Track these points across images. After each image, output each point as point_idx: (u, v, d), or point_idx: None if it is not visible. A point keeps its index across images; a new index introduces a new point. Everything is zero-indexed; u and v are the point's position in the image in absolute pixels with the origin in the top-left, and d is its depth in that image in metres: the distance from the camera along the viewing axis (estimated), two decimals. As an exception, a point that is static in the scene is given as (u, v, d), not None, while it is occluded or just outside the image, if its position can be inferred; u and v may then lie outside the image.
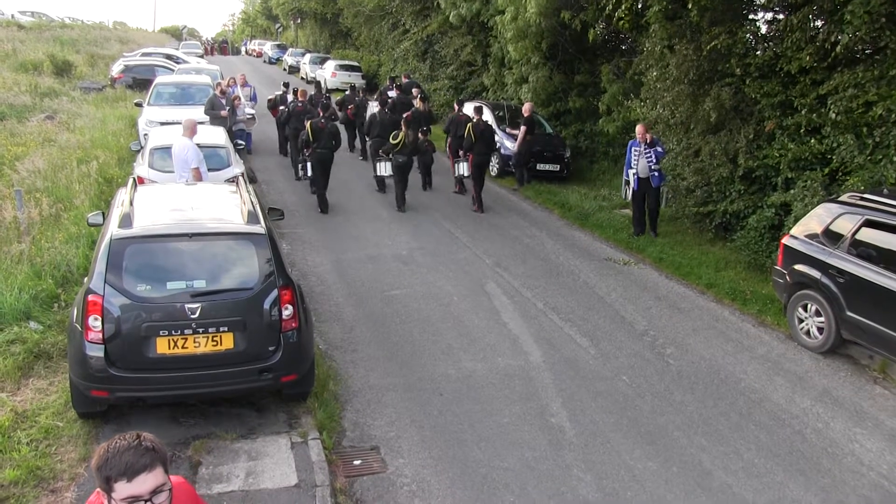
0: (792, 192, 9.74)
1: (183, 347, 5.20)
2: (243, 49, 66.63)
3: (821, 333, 7.59)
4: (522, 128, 15.04)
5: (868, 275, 7.02)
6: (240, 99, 15.82)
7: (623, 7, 11.95)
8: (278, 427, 5.71)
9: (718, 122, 11.16)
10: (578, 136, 17.31)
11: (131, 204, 5.81)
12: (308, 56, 38.46)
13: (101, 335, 5.08)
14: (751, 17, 11.61)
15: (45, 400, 5.86)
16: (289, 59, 42.26)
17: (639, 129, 11.47)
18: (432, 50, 25.56)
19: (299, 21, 54.00)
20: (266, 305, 5.40)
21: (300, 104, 14.99)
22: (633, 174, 11.57)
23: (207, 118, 13.75)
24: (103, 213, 7.06)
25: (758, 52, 11.00)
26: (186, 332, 5.18)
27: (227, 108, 14.43)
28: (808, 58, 9.64)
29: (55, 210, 10.16)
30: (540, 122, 16.51)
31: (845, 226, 7.44)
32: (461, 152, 13.75)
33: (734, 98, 10.90)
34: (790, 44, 9.98)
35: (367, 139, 15.50)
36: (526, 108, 15.28)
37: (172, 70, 23.63)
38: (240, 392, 5.69)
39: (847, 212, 7.49)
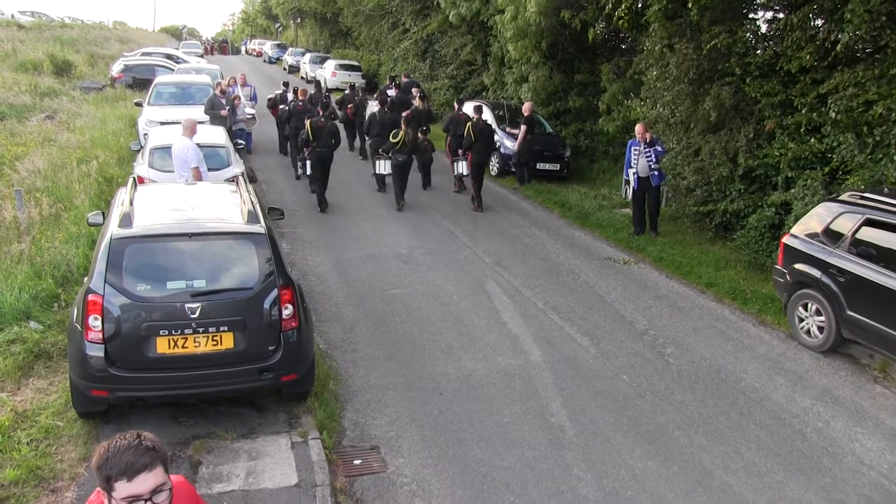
0: (792, 191, 9.74)
1: (183, 347, 5.20)
2: (243, 49, 66.63)
3: (821, 332, 7.59)
4: (523, 127, 15.05)
5: (868, 274, 7.02)
6: (240, 98, 15.83)
7: (623, 6, 11.95)
8: (278, 427, 5.71)
9: (718, 122, 11.16)
10: (578, 135, 17.30)
11: (131, 203, 5.80)
12: (308, 55, 38.47)
13: (101, 335, 5.07)
14: (751, 16, 11.60)
15: (46, 400, 5.86)
16: (289, 59, 42.26)
17: (638, 128, 11.47)
18: (432, 49, 25.56)
19: (299, 20, 54.00)
20: (266, 305, 5.40)
21: (300, 103, 15.06)
22: (633, 173, 11.57)
23: (207, 118, 13.75)
24: (103, 213, 7.06)
25: (758, 52, 11.00)
26: (186, 331, 5.17)
27: (227, 107, 14.43)
28: (808, 57, 9.63)
29: (55, 210, 10.16)
30: (540, 122, 16.51)
31: (845, 225, 7.44)
32: (460, 151, 13.77)
33: (734, 97, 10.90)
34: (790, 43, 9.97)
35: (367, 138, 15.52)
36: (526, 108, 15.28)
37: (172, 70, 23.63)
38: (240, 392, 5.69)
39: (847, 211, 7.49)
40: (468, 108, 15.02)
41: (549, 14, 15.23)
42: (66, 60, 28.03)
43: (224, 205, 6.28)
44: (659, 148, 11.45)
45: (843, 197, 7.76)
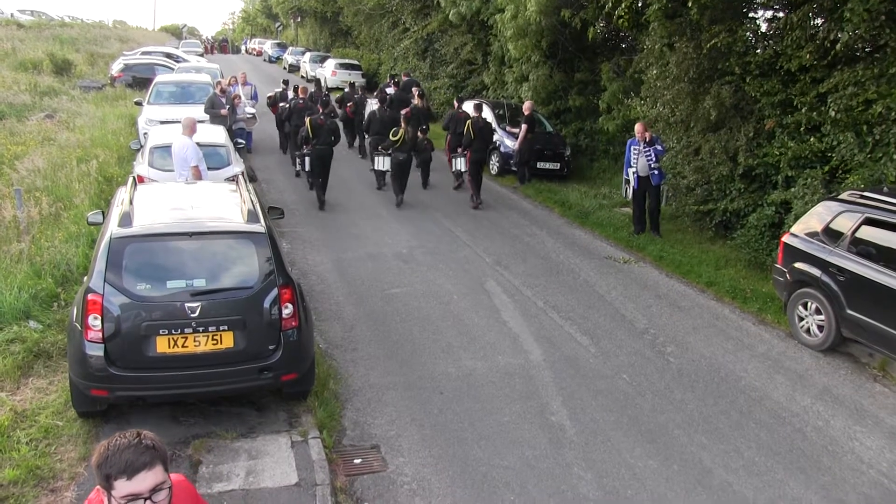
0: (792, 190, 9.74)
1: (183, 346, 5.19)
2: (243, 48, 66.61)
3: (821, 331, 7.59)
4: (523, 126, 15.05)
5: (868, 273, 7.02)
6: (240, 98, 15.84)
7: (623, 5, 11.94)
8: (278, 426, 5.71)
9: (718, 121, 11.16)
10: (578, 134, 17.30)
11: (131, 203, 5.80)
12: (308, 55, 38.45)
13: (100, 334, 5.07)
14: (751, 15, 11.60)
15: (45, 399, 5.86)
16: (289, 58, 42.24)
17: (638, 127, 11.46)
18: (432, 48, 25.55)
19: (299, 20, 53.99)
20: (266, 304, 5.40)
21: (301, 101, 15.17)
22: (633, 173, 11.57)
23: (207, 117, 13.75)
24: (103, 212, 7.06)
25: (758, 51, 11.00)
26: (186, 330, 5.17)
27: (227, 106, 14.43)
28: (807, 56, 9.63)
29: (55, 209, 10.16)
30: (540, 121, 16.51)
31: (845, 224, 7.44)
32: (460, 149, 13.81)
33: (734, 96, 10.90)
34: (790, 42, 9.97)
35: (367, 136, 15.55)
36: (526, 107, 15.29)
37: (172, 69, 23.61)
38: (240, 391, 5.69)
39: (847, 210, 7.49)
40: (468, 106, 15.04)
41: (550, 13, 15.23)
42: (65, 59, 28.02)
43: (224, 204, 6.28)
44: (659, 147, 11.44)
45: (843, 196, 7.76)
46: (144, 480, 2.02)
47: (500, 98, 18.89)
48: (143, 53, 29.77)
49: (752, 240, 10.20)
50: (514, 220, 12.72)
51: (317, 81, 21.38)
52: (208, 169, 9.71)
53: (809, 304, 7.73)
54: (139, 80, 22.85)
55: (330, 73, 31.13)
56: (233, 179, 8.44)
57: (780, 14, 11.15)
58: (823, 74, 9.70)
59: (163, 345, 5.16)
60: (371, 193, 14.03)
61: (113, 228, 5.32)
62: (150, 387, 5.28)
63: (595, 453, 5.62)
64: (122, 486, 2.01)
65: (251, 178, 12.70)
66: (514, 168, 15.78)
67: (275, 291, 5.43)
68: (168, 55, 29.11)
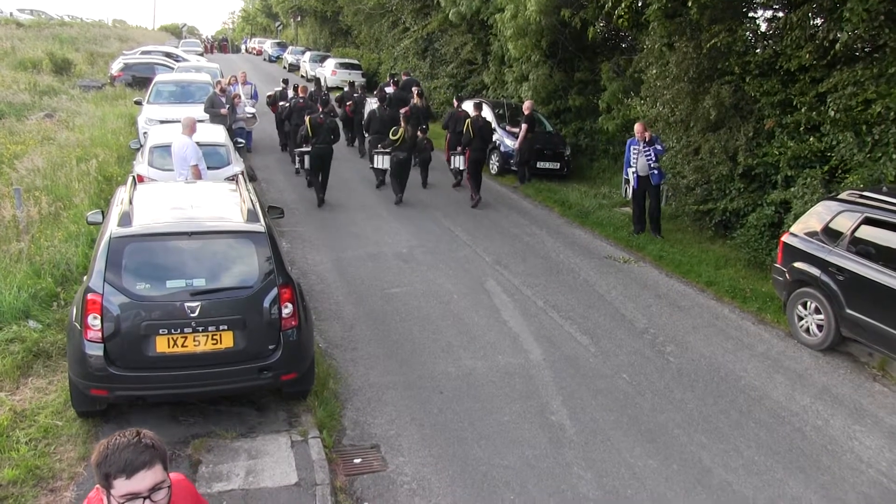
0: (791, 189, 9.74)
1: (182, 346, 5.19)
2: (243, 47, 66.60)
3: (820, 331, 7.59)
4: (523, 126, 15.05)
5: (867, 272, 7.02)
6: (240, 97, 15.84)
7: (623, 5, 11.94)
8: (278, 426, 5.71)
9: (718, 120, 11.16)
10: (578, 133, 17.31)
11: (131, 202, 5.80)
12: (308, 54, 38.46)
13: (100, 334, 5.07)
14: (750, 14, 11.60)
15: (45, 399, 5.85)
16: (289, 58, 42.25)
17: (637, 127, 11.46)
18: (432, 48, 25.56)
19: (299, 19, 54.00)
20: (266, 304, 5.40)
21: (301, 100, 15.22)
22: (633, 172, 11.57)
23: (207, 116, 13.75)
24: (103, 212, 7.05)
25: (757, 50, 11.01)
26: (186, 330, 5.17)
27: (227, 106, 14.43)
28: (807, 56, 9.63)
29: (54, 208, 10.16)
30: (540, 120, 16.52)
31: (845, 223, 7.44)
32: (459, 147, 13.85)
33: (734, 96, 10.90)
34: (790, 42, 9.98)
35: (366, 135, 15.57)
36: (526, 106, 15.29)
37: (172, 68, 23.61)
38: (239, 391, 5.69)
39: (846, 209, 7.49)
40: (468, 105, 15.04)
41: (549, 12, 15.23)
42: (65, 59, 28.01)
43: (224, 203, 6.28)
44: (658, 147, 11.44)
45: (843, 195, 7.77)
46: (144, 479, 2.02)
47: (500, 98, 18.89)
48: (143, 53, 29.76)
49: (751, 239, 10.21)
50: (514, 219, 12.73)
51: (316, 81, 21.39)
52: (208, 168, 9.71)
53: (809, 303, 7.73)
54: (139, 80, 22.85)
55: (330, 72, 31.13)
56: (232, 179, 8.43)
57: (780, 14, 11.16)
58: (823, 74, 9.70)
59: (162, 344, 5.16)
60: (371, 193, 14.04)
61: (112, 228, 5.32)
62: (149, 386, 5.28)
63: (595, 453, 5.63)
64: (122, 485, 2.01)
65: (251, 177, 12.70)
66: (514, 167, 15.78)
67: (274, 291, 5.43)
68: (168, 54, 29.09)
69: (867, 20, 8.59)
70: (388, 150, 13.12)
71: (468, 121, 13.53)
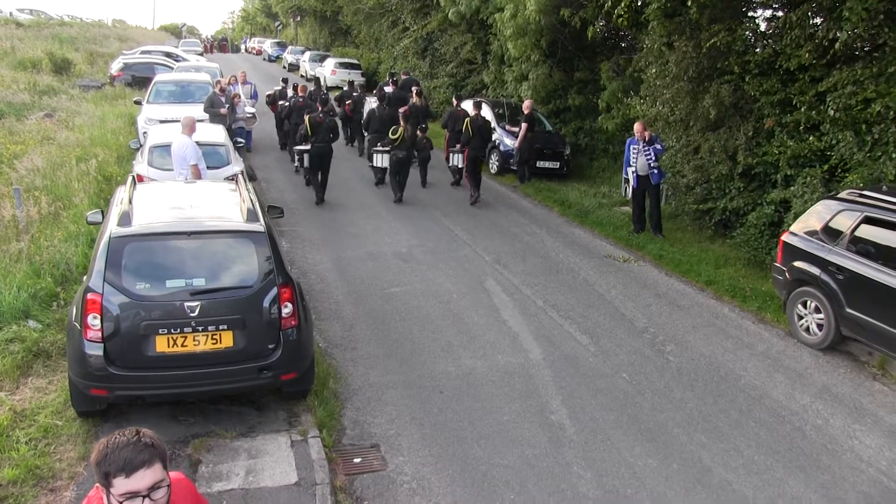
0: (791, 188, 9.74)
1: (182, 346, 5.19)
2: (243, 47, 66.63)
3: (820, 330, 7.59)
4: (523, 125, 15.05)
5: (867, 271, 7.02)
6: (239, 97, 15.84)
7: (622, 4, 11.93)
8: (278, 425, 5.71)
9: (718, 120, 11.16)
10: (578, 133, 17.32)
11: (130, 202, 5.79)
12: (308, 54, 38.49)
13: (100, 334, 5.07)
14: (750, 14, 11.60)
15: (44, 399, 5.85)
16: (288, 57, 42.27)
17: (637, 127, 11.46)
18: (432, 47, 25.56)
19: (299, 19, 53.99)
20: (265, 303, 5.40)
21: (301, 99, 15.27)
22: (633, 172, 11.57)
23: (206, 116, 13.75)
24: (102, 212, 7.05)
25: (757, 50, 11.01)
26: (186, 330, 5.17)
27: (227, 105, 14.43)
28: (807, 55, 9.63)
29: (54, 208, 10.16)
30: (540, 120, 16.52)
31: (844, 222, 7.44)
32: (458, 146, 13.89)
33: (733, 95, 10.90)
34: (789, 41, 9.97)
35: (366, 134, 15.59)
36: (526, 106, 15.29)
37: (172, 68, 23.61)
38: (239, 390, 5.69)
39: (846, 208, 7.49)
40: (467, 105, 15.06)
41: (549, 12, 15.23)
42: (64, 58, 28.00)
43: (223, 203, 6.28)
44: (658, 146, 11.44)
45: (842, 195, 7.77)
46: (143, 478, 2.02)
47: (499, 97, 18.90)
48: (143, 52, 29.75)
49: (751, 238, 10.21)
50: (513, 218, 12.73)
51: (316, 80, 21.40)
52: (208, 168, 9.70)
53: (809, 302, 7.73)
54: (138, 79, 22.85)
55: (329, 72, 31.14)
56: (232, 178, 8.43)
57: (780, 13, 11.15)
58: (822, 73, 9.70)
59: (162, 344, 5.16)
60: (370, 192, 14.04)
61: (112, 228, 5.32)
62: (149, 386, 5.28)
63: (595, 452, 5.63)
64: (121, 484, 2.01)
65: (251, 177, 12.71)
66: (513, 167, 15.78)
67: (274, 290, 5.43)
68: (167, 54, 29.09)
69: (866, 19, 8.59)
70: (387, 149, 13.16)
71: (467, 120, 13.57)
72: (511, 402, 6.31)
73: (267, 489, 4.88)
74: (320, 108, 13.84)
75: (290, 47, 46.22)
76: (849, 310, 7.17)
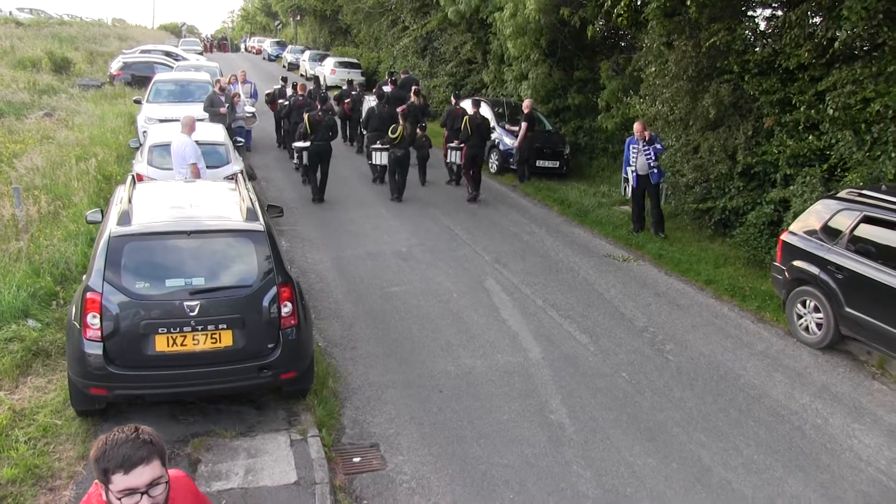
0: (791, 188, 9.74)
1: (182, 345, 5.19)
2: (243, 46, 66.63)
3: (819, 329, 7.59)
4: (523, 124, 15.05)
5: (866, 271, 7.02)
6: (239, 96, 15.85)
7: (622, 4, 11.93)
8: (277, 424, 5.71)
9: (717, 119, 11.16)
10: (578, 132, 17.32)
11: (130, 201, 5.80)
12: (307, 53, 38.49)
13: (99, 333, 5.07)
14: (749, 13, 11.61)
15: (44, 398, 5.85)
16: (288, 56, 42.27)
17: (637, 126, 11.46)
18: (432, 47, 25.57)
19: (299, 18, 53.99)
20: (265, 303, 5.40)
21: (300, 98, 15.32)
22: (632, 171, 11.57)
23: (206, 115, 13.75)
24: (102, 211, 7.05)
25: (756, 49, 11.00)
26: (185, 329, 5.17)
27: (227, 105, 14.44)
28: (806, 54, 9.63)
29: (53, 207, 10.16)
30: (539, 119, 16.52)
31: (844, 222, 7.45)
32: (456, 142, 13.93)
33: (733, 94, 10.90)
34: (789, 40, 9.97)
35: (365, 132, 15.61)
36: (526, 105, 15.30)
37: (171, 67, 23.61)
38: (239, 389, 5.69)
39: (845, 208, 7.49)
40: (466, 103, 15.06)
41: (549, 11, 15.23)
42: (64, 58, 28.00)
43: (223, 202, 6.28)
44: (658, 145, 11.44)
45: (842, 194, 7.77)
46: (142, 475, 2.03)
47: (499, 96, 18.90)
48: (143, 52, 29.77)
49: (750, 238, 10.21)
50: (513, 218, 12.73)
51: (315, 79, 21.40)
52: (207, 167, 9.71)
53: (808, 301, 7.74)
54: (138, 79, 22.87)
55: (329, 71, 31.15)
56: (232, 178, 8.44)
57: (779, 12, 11.15)
58: (822, 73, 9.70)
59: (162, 343, 5.16)
60: (370, 191, 14.04)
61: (112, 227, 5.32)
62: (149, 385, 5.28)
63: (594, 451, 5.63)
64: (120, 481, 2.02)
65: (250, 176, 12.70)
66: (513, 166, 15.78)
67: (274, 290, 5.43)
68: (167, 53, 29.11)
69: (866, 18, 8.58)
70: (386, 147, 13.19)
71: (466, 118, 13.61)
72: (510, 402, 6.32)
73: (266, 488, 4.88)
74: (319, 107, 13.87)
75: (289, 46, 46.23)
76: (848, 309, 7.17)
